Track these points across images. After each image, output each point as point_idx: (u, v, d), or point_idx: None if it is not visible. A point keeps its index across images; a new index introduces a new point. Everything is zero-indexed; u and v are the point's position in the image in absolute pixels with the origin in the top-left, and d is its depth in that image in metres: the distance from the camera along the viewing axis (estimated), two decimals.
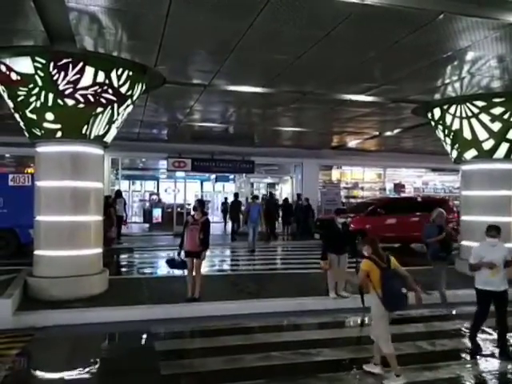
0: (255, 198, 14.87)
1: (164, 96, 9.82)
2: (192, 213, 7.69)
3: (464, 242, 10.24)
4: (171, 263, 7.60)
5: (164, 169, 19.74)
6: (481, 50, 6.68)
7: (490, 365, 5.35)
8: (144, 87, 8.18)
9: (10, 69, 7.01)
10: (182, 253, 7.42)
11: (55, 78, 6.94)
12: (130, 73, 7.51)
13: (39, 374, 5.28)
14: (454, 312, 7.55)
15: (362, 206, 15.69)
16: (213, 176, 22.60)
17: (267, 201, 17.84)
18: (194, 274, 7.43)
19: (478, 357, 5.49)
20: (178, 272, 7.81)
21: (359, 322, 7.26)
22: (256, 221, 13.83)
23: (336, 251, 7.69)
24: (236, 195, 17.19)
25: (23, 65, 6.93)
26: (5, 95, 7.43)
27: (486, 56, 6.98)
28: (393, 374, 4.65)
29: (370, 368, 4.90)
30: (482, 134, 9.45)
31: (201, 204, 7.67)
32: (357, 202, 18.86)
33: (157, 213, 20.74)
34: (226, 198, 20.24)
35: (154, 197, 23.62)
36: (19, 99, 7.18)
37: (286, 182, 21.83)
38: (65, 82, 6.97)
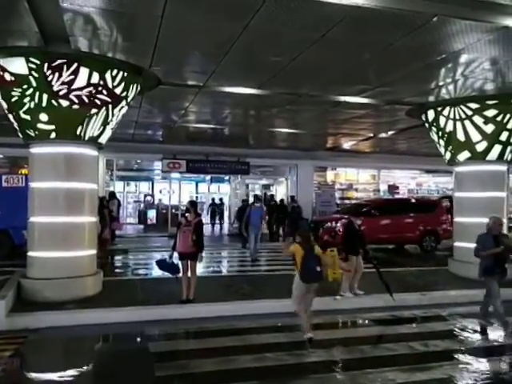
0: (257, 199, 13.38)
1: (159, 97, 9.81)
2: (186, 214, 7.68)
3: (457, 243, 10.30)
4: (161, 264, 7.54)
5: (159, 170, 19.71)
6: (474, 52, 6.74)
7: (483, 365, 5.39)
8: (139, 88, 8.17)
9: (3, 69, 6.99)
10: (175, 255, 7.40)
11: (49, 78, 6.92)
12: (125, 74, 7.50)
13: (32, 375, 5.24)
14: (445, 313, 7.57)
15: (355, 208, 15.73)
16: (208, 177, 22.59)
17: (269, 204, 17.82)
18: (188, 275, 7.42)
19: None
20: (171, 275, 7.74)
21: (352, 322, 7.28)
22: (258, 226, 12.34)
23: (355, 252, 7.94)
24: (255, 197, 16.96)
25: (17, 65, 6.90)
26: None
27: (480, 58, 7.04)
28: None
29: (309, 334, 5.80)
30: (475, 136, 9.52)
31: (193, 205, 7.65)
32: (351, 203, 18.90)
33: (151, 214, 20.73)
34: (213, 199, 20.10)
35: (149, 198, 23.59)
36: (13, 100, 7.15)
37: (280, 183, 21.87)
38: (59, 82, 6.95)
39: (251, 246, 12.39)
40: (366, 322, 7.29)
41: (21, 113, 7.20)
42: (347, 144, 17.22)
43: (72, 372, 5.16)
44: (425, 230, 14.69)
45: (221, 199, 17.88)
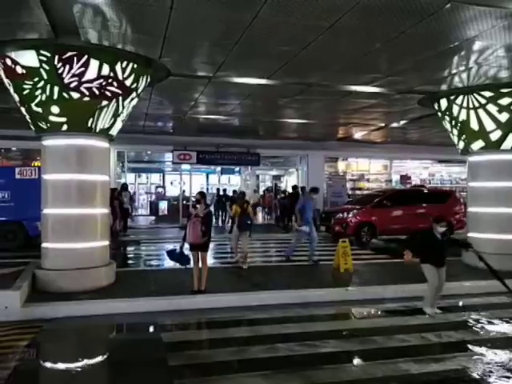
0: (314, 190, 10.77)
1: (169, 88, 9.80)
2: (196, 205, 7.69)
3: (471, 234, 10.19)
4: (171, 255, 7.61)
5: (169, 161, 19.78)
6: (488, 39, 6.60)
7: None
8: (149, 80, 8.16)
9: (15, 62, 7.02)
10: (186, 245, 7.44)
11: (60, 71, 6.94)
12: (135, 65, 7.50)
13: (48, 364, 5.34)
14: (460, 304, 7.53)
15: (368, 198, 15.65)
16: (218, 168, 22.63)
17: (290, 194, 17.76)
18: (199, 266, 7.45)
19: None
20: (181, 265, 7.79)
21: (365, 313, 7.27)
22: (310, 221, 10.28)
23: (434, 263, 6.69)
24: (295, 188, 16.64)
25: (28, 58, 6.93)
26: (10, 89, 7.45)
27: (494, 46, 6.89)
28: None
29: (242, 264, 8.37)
30: (489, 125, 9.37)
31: (203, 196, 7.69)
32: (363, 194, 18.78)
33: (163, 205, 20.84)
34: (218, 190, 19.78)
35: (160, 189, 23.70)
36: (25, 93, 7.20)
37: (291, 174, 21.81)
38: (70, 75, 6.97)
39: (311, 247, 10.24)
40: (379, 312, 7.28)
41: (32, 105, 7.24)
42: (358, 134, 17.07)
43: (86, 361, 5.23)
44: None
45: (224, 190, 17.67)
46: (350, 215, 14.10)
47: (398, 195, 15.49)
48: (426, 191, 16.35)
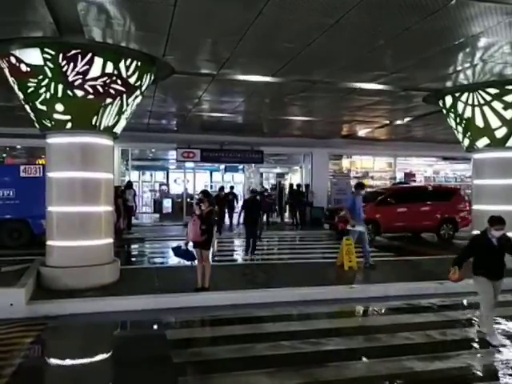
0: (360, 186, 9.89)
1: (173, 86, 9.80)
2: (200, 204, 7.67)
3: (476, 232, 10.13)
4: (176, 251, 7.67)
5: (173, 159, 19.80)
6: (494, 36, 6.55)
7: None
8: (153, 77, 8.17)
9: (19, 60, 7.04)
10: (190, 243, 7.46)
11: (64, 69, 6.95)
12: (139, 63, 7.50)
13: (53, 361, 5.37)
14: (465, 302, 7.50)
15: (370, 195, 15.58)
16: (222, 166, 22.62)
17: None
18: (202, 263, 7.47)
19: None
20: (187, 261, 7.83)
21: (369, 311, 7.26)
22: (363, 220, 9.51)
23: (488, 275, 5.49)
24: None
25: (33, 56, 6.95)
26: (15, 87, 7.48)
27: (499, 42, 6.84)
28: None
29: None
30: (494, 122, 9.31)
31: (206, 195, 7.71)
32: (367, 192, 18.66)
33: (167, 203, 20.86)
34: (232, 187, 19.44)
35: (164, 187, 23.72)
36: (29, 91, 7.21)
37: (295, 171, 21.78)
38: (74, 73, 6.99)
39: (367, 247, 9.45)
40: (383, 310, 7.27)
41: (37, 103, 7.26)
42: (363, 131, 17.03)
43: (91, 358, 5.26)
44: (442, 217, 14.52)
45: (222, 188, 17.49)
46: None
47: (401, 193, 15.46)
48: (430, 188, 16.28)
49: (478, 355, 5.24)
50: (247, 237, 11.09)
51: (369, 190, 18.89)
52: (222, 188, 17.10)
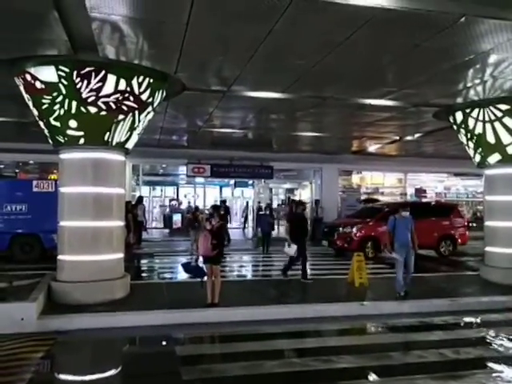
0: (404, 206, 8.90)
1: (184, 103, 9.91)
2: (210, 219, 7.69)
3: (488, 248, 10.02)
4: (186, 267, 7.68)
5: (184, 174, 19.90)
6: (504, 52, 6.56)
7: None
8: (164, 94, 8.27)
9: (34, 78, 7.19)
10: (200, 258, 7.45)
11: (78, 86, 7.08)
12: (151, 80, 7.61)
13: (63, 376, 5.36)
14: (478, 320, 7.37)
15: (368, 211, 15.26)
16: (232, 181, 22.70)
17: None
18: (212, 278, 7.44)
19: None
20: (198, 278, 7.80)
21: (381, 328, 7.15)
22: (407, 243, 8.25)
23: None
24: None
25: (47, 73, 7.08)
26: (30, 103, 7.62)
27: (510, 58, 6.84)
28: None
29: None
30: (505, 138, 9.25)
31: (216, 209, 7.72)
32: (361, 207, 17.56)
33: (177, 218, 20.92)
34: (223, 202, 19.14)
35: (174, 202, 23.82)
36: (43, 107, 7.34)
37: (305, 187, 21.76)
38: (88, 89, 7.10)
39: (398, 275, 8.20)
40: (395, 327, 7.16)
41: (51, 119, 7.38)
42: (372, 147, 17.00)
43: (100, 373, 5.24)
44: (441, 234, 14.33)
45: (223, 201, 17.26)
46: (354, 229, 13.79)
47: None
48: (430, 205, 16.06)
49: (494, 375, 5.13)
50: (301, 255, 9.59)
51: (369, 205, 18.36)
52: (220, 204, 16.40)
